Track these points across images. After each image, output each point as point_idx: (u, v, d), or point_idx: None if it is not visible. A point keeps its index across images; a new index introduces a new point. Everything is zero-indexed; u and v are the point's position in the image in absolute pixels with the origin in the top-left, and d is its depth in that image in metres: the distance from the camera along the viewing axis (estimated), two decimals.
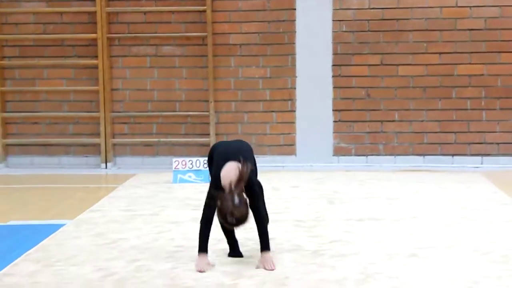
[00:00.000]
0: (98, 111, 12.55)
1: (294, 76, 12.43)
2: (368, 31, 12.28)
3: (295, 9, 12.34)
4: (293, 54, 12.40)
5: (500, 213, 8.44)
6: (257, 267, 5.69)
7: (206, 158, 10.77)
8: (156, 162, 12.52)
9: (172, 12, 12.53)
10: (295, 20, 12.36)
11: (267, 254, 5.77)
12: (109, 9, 12.49)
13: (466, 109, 12.24)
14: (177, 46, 12.55)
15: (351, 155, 12.48)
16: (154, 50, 12.58)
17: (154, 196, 9.72)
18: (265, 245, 5.77)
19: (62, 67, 12.67)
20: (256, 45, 12.41)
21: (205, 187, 6.36)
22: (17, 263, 6.46)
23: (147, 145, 12.63)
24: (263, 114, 12.47)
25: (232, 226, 5.73)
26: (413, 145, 12.38)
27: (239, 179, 5.66)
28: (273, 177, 11.22)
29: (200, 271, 5.72)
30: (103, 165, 12.58)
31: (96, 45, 12.48)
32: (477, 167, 12.14)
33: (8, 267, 6.32)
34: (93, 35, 12.48)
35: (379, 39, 12.26)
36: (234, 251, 6.33)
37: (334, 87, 12.38)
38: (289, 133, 12.52)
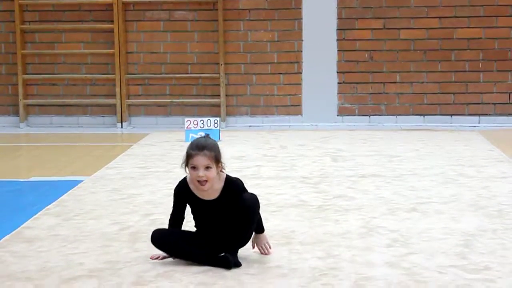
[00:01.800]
0: (114, 73, 12.53)
1: (300, 39, 12.38)
2: None
3: None
4: (299, 19, 12.35)
5: (496, 170, 8.44)
6: (252, 247, 5.25)
7: (217, 118, 10.84)
8: (169, 122, 12.52)
9: None
10: None
11: (262, 235, 5.25)
12: None
13: (465, 71, 12.20)
14: (189, 11, 12.50)
15: (354, 115, 12.46)
16: (167, 14, 12.53)
17: (167, 154, 9.73)
18: (259, 227, 5.19)
19: (80, 31, 12.64)
20: (264, 10, 12.35)
21: None
22: (38, 217, 6.49)
23: (161, 105, 12.62)
24: (271, 76, 12.44)
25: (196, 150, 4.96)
26: (414, 105, 12.35)
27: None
28: (280, 135, 11.22)
29: (152, 258, 5.21)
30: (119, 124, 12.58)
31: (112, 10, 12.44)
32: (474, 126, 12.11)
33: (29, 220, 6.35)
34: (109, 0, 12.42)
35: (382, 4, 12.19)
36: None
37: (338, 50, 12.34)
38: (295, 94, 12.50)
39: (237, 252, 5.10)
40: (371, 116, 12.43)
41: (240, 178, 5.17)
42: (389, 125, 12.26)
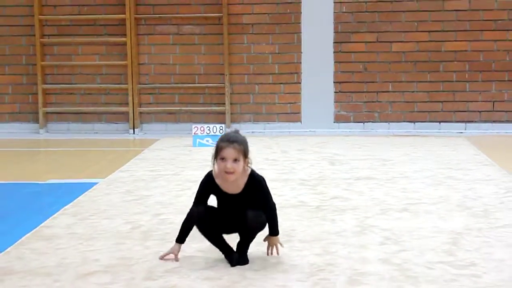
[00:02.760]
0: (126, 83, 12.54)
1: (299, 52, 12.38)
2: (366, 11, 12.20)
3: None
4: (298, 33, 12.35)
5: (481, 173, 8.43)
6: (264, 240, 5.12)
7: (222, 125, 10.84)
8: (177, 128, 12.52)
9: None
10: (300, 2, 12.30)
11: (275, 238, 5.08)
12: None
13: (452, 81, 12.19)
14: (196, 26, 12.51)
15: (350, 122, 12.45)
16: (176, 29, 12.54)
17: (176, 158, 9.73)
18: (274, 230, 5.05)
19: (95, 44, 12.65)
20: (266, 24, 12.36)
21: None
22: (56, 216, 6.49)
23: (170, 113, 12.62)
24: (272, 86, 12.44)
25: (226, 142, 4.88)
26: (405, 113, 12.34)
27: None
28: (281, 141, 11.22)
29: (162, 258, 5.09)
30: (131, 131, 12.59)
31: (124, 24, 12.45)
32: (461, 133, 12.11)
33: (48, 220, 6.35)
34: (122, 16, 12.44)
35: (375, 19, 12.19)
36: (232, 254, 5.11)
37: (335, 62, 12.34)
38: (295, 102, 12.49)
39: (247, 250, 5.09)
40: (365, 123, 12.43)
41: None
42: (382, 131, 12.25)
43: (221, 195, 5.02)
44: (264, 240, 5.15)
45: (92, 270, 4.94)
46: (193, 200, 5.12)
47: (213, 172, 5.01)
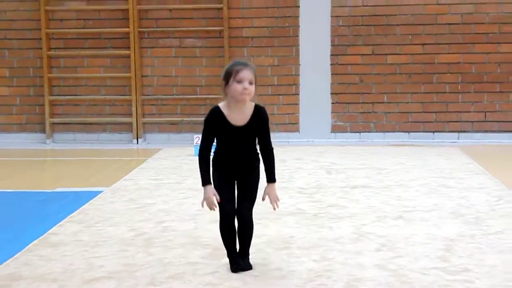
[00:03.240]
0: (130, 95, 12.56)
1: (297, 64, 12.40)
2: (362, 25, 12.23)
3: (298, 6, 12.30)
4: (297, 46, 12.37)
5: (473, 181, 8.43)
6: (263, 199, 5.03)
7: None
8: (180, 138, 12.53)
9: (194, 9, 12.49)
10: (298, 16, 12.32)
11: (273, 186, 5.03)
12: (139, 6, 12.46)
13: (445, 92, 12.21)
14: (198, 39, 12.53)
15: (346, 132, 12.46)
16: (178, 42, 12.56)
17: (178, 167, 9.74)
18: (272, 177, 5.01)
19: (100, 56, 12.67)
20: (265, 37, 12.38)
21: None
22: (62, 224, 6.49)
23: (172, 123, 12.63)
24: (271, 97, 12.45)
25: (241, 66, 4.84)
26: (400, 123, 12.35)
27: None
28: (280, 151, 11.21)
29: (211, 208, 4.92)
30: (135, 140, 12.60)
31: (128, 38, 12.47)
32: (454, 142, 12.11)
33: (54, 227, 6.35)
34: (126, 29, 12.46)
35: (371, 32, 12.22)
36: (239, 262, 5.05)
37: (332, 74, 12.36)
38: (293, 113, 12.50)
39: (249, 255, 5.07)
40: (362, 133, 12.44)
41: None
42: (377, 141, 12.26)
43: (227, 128, 4.86)
44: (264, 195, 5.04)
45: (97, 276, 4.94)
46: (199, 149, 4.98)
47: (220, 106, 4.91)
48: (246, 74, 4.82)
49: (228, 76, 4.85)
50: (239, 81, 4.81)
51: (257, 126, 4.95)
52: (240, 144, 4.92)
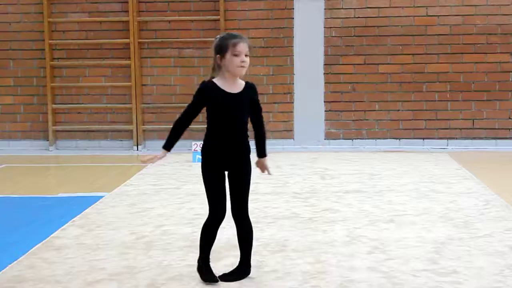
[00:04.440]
0: (130, 103, 12.55)
1: (292, 73, 12.41)
2: (354, 36, 12.24)
3: (293, 18, 12.31)
4: (291, 56, 12.38)
5: (462, 186, 8.45)
6: (256, 164, 4.96)
7: None
8: (178, 145, 12.29)
9: (192, 21, 12.50)
10: (293, 27, 12.33)
11: (265, 159, 4.95)
12: (139, 18, 12.47)
13: (434, 101, 12.22)
14: (196, 49, 12.53)
15: (339, 139, 12.47)
16: (177, 52, 12.56)
17: (177, 173, 9.73)
18: (264, 152, 4.92)
19: (101, 66, 12.66)
20: (261, 47, 12.38)
21: None
22: (65, 228, 6.49)
23: None
24: (267, 105, 12.42)
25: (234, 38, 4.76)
26: (391, 130, 12.36)
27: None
28: (275, 157, 11.22)
29: (143, 161, 5.00)
30: (135, 147, 12.59)
31: (129, 48, 12.48)
32: (443, 149, 12.13)
33: (57, 231, 6.35)
34: (127, 40, 12.47)
35: (363, 42, 12.23)
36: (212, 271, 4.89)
37: (325, 83, 12.36)
38: (288, 121, 12.51)
39: (250, 260, 4.95)
40: (354, 140, 12.44)
41: None
42: (369, 148, 12.26)
43: (223, 96, 4.70)
44: (256, 165, 4.96)
45: (99, 278, 4.94)
46: (179, 116, 4.96)
47: (214, 79, 4.78)
48: (243, 47, 4.73)
49: (223, 49, 4.74)
50: (237, 55, 4.71)
51: (251, 96, 4.82)
52: (234, 116, 4.73)
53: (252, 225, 4.94)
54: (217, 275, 4.85)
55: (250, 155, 4.85)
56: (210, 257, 4.89)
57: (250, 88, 4.85)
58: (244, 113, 4.80)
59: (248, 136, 4.84)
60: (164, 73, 12.59)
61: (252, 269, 4.98)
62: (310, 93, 12.35)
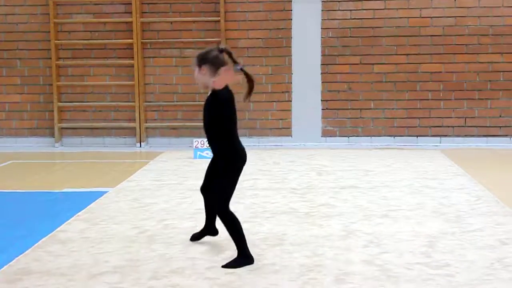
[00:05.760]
0: (134, 101, 12.54)
1: (290, 73, 12.40)
2: (350, 37, 12.23)
3: (291, 19, 12.30)
4: (289, 56, 12.37)
5: (454, 182, 8.45)
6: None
7: None
8: (180, 142, 12.52)
9: (193, 22, 12.49)
10: (291, 28, 12.32)
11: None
12: (142, 19, 12.45)
13: (428, 99, 12.22)
14: (197, 49, 12.45)
15: (336, 136, 12.46)
16: (178, 52, 12.55)
17: (179, 169, 9.73)
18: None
19: (105, 66, 12.65)
20: (260, 48, 12.37)
21: None
22: (70, 222, 6.49)
23: (173, 128, 12.62)
24: (265, 104, 12.44)
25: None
26: (386, 128, 12.36)
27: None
28: (273, 154, 11.23)
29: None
30: (138, 144, 12.58)
31: (132, 48, 12.46)
32: (436, 146, 12.12)
33: (63, 225, 6.35)
34: (130, 41, 12.45)
35: (359, 43, 12.22)
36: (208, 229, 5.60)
37: (322, 82, 12.35)
38: (286, 119, 12.50)
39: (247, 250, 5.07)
40: (350, 137, 12.44)
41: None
42: (365, 145, 12.26)
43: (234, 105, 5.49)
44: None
45: (103, 270, 4.94)
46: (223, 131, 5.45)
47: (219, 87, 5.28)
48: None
49: (221, 63, 5.39)
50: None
51: None
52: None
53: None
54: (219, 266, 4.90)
55: None
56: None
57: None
58: None
59: None
60: (166, 73, 12.58)
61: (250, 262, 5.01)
62: (307, 92, 12.35)
